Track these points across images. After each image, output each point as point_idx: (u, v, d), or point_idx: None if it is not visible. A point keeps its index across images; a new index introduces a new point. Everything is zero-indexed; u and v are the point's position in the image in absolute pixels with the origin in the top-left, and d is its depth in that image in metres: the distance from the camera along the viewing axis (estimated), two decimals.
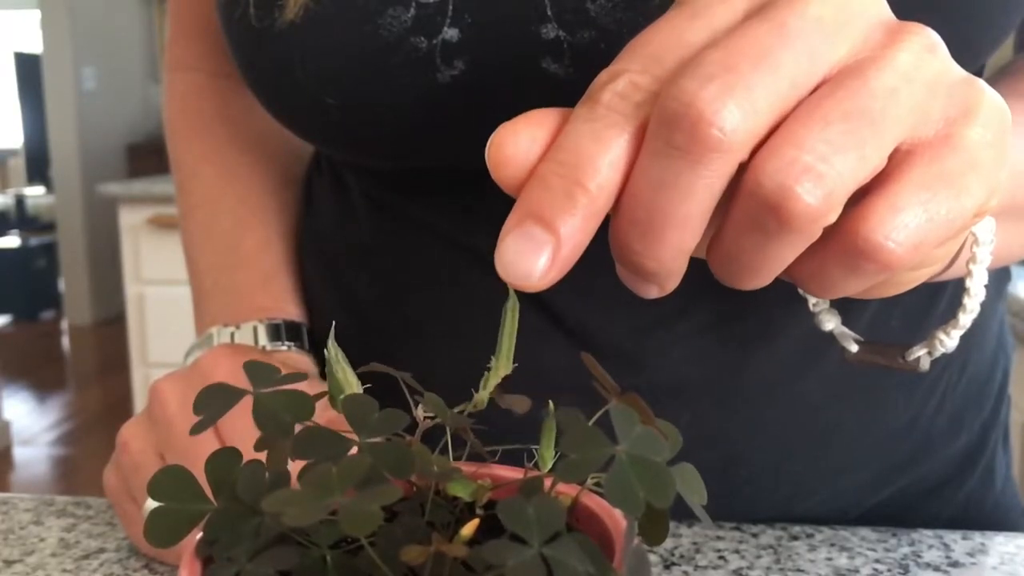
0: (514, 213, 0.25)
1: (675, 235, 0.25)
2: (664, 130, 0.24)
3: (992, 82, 0.45)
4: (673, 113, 0.24)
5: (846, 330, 0.36)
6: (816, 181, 0.24)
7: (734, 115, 0.23)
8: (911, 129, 0.25)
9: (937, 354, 0.35)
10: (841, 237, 0.25)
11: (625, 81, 0.26)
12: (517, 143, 0.26)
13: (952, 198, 0.25)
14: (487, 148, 0.27)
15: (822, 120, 0.24)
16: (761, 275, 0.27)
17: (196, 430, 0.26)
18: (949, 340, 0.34)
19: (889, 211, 0.25)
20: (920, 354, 0.35)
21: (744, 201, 0.25)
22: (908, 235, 0.25)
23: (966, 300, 0.33)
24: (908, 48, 0.25)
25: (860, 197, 0.25)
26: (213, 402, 0.26)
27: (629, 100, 0.25)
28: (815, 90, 0.25)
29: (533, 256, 0.25)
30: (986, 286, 0.33)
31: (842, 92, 0.24)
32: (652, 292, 0.28)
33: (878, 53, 0.25)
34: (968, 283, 0.33)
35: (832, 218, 0.24)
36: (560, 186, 0.25)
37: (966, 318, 0.33)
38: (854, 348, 0.36)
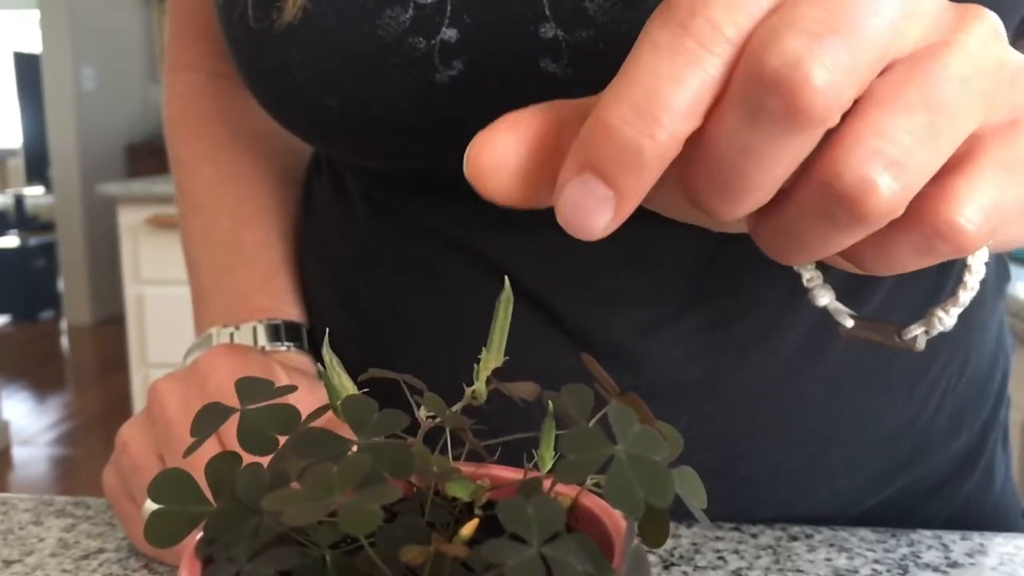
0: (573, 158, 0.24)
1: (755, 197, 0.24)
2: (760, 91, 0.22)
3: None
4: (774, 74, 0.22)
5: (840, 306, 0.35)
6: (897, 175, 0.23)
7: (838, 84, 0.22)
8: (983, 119, 0.25)
9: (935, 332, 0.34)
10: (917, 219, 0.24)
11: (719, 7, 0.23)
12: (494, 152, 0.25)
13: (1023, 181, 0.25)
14: (465, 161, 0.25)
15: (905, 108, 0.23)
16: (813, 256, 0.26)
17: (188, 453, 0.26)
18: (947, 318, 0.34)
19: (969, 192, 0.24)
20: (917, 332, 0.35)
21: (817, 189, 0.24)
22: (986, 216, 0.24)
23: (967, 277, 0.33)
24: (976, 33, 0.25)
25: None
26: (209, 422, 0.26)
27: (720, 33, 0.23)
28: (885, 70, 0.24)
29: (595, 214, 0.24)
30: (987, 263, 0.33)
31: (921, 77, 0.23)
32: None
33: (950, 37, 0.24)
34: (969, 260, 0.33)
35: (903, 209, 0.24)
36: (630, 138, 0.22)
37: (966, 295, 0.33)
38: (849, 324, 0.36)
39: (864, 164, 0.23)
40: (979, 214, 0.24)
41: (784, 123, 0.22)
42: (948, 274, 0.50)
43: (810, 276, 0.35)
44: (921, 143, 0.23)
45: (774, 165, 0.23)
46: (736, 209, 0.25)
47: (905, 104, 0.23)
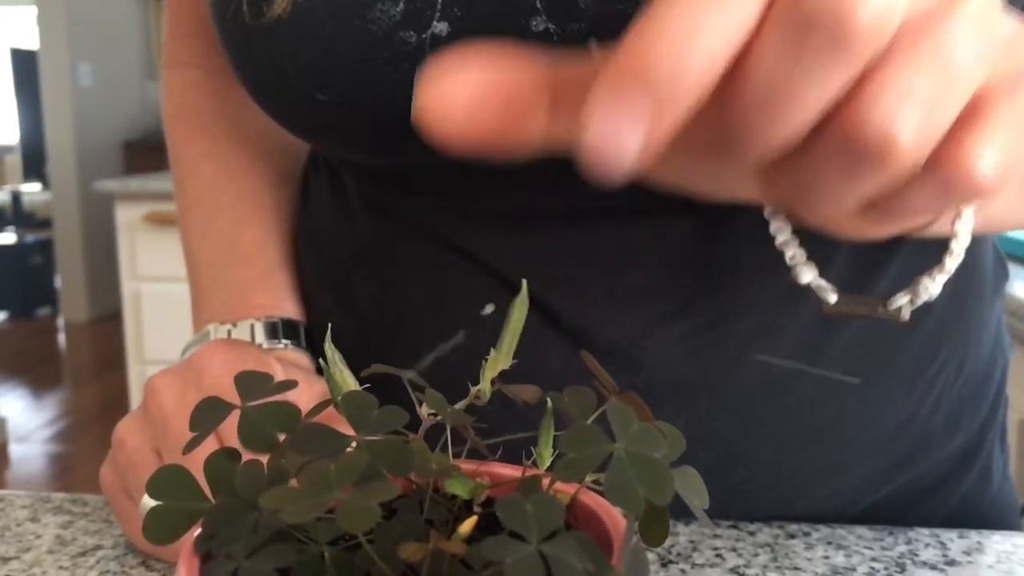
0: (605, 85, 0.23)
1: (802, 121, 0.25)
2: (805, 28, 0.22)
3: None
4: (818, 9, 0.22)
5: (823, 282, 0.35)
6: (920, 125, 0.24)
7: (881, 16, 0.23)
8: (988, 77, 0.26)
9: (920, 302, 0.34)
10: (933, 166, 0.25)
11: None
12: (450, 96, 0.24)
13: None
14: (417, 112, 0.24)
15: (922, 65, 0.24)
16: (827, 209, 0.27)
17: (188, 450, 0.26)
18: (933, 286, 0.34)
19: (984, 142, 0.25)
20: (902, 302, 0.34)
21: (840, 137, 0.24)
22: (999, 166, 0.25)
23: (953, 244, 0.33)
24: (971, 2, 0.25)
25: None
26: (209, 418, 0.26)
27: None
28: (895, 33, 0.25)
29: (626, 141, 0.23)
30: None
31: (931, 38, 0.24)
32: None
33: (947, 4, 0.25)
34: (957, 225, 0.33)
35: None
36: (668, 61, 0.22)
37: (952, 262, 0.33)
38: (833, 299, 0.35)
39: (886, 119, 0.24)
40: (992, 161, 0.25)
41: (829, 54, 0.23)
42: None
43: (793, 253, 0.34)
44: (938, 97, 0.24)
45: (819, 86, 0.24)
46: (782, 132, 0.25)
47: (921, 62, 0.24)
